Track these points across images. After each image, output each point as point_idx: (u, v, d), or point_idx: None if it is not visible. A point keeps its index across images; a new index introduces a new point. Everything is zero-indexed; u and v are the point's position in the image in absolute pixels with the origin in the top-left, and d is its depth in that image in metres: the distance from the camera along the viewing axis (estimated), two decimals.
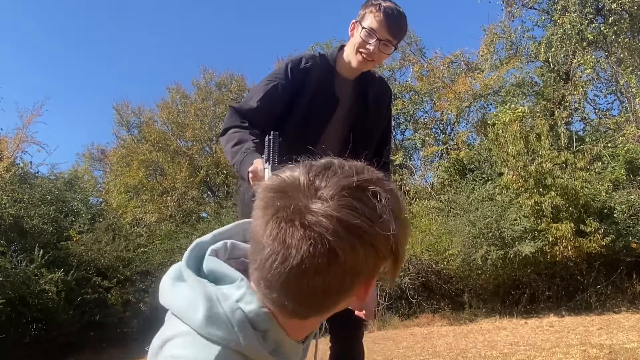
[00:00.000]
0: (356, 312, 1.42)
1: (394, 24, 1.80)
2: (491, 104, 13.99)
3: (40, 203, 11.05)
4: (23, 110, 15.53)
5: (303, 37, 34.57)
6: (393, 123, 16.49)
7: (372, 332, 8.87)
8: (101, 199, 17.02)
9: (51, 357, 8.85)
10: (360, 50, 1.85)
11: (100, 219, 12.09)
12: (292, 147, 1.63)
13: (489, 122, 11.66)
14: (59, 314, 9.09)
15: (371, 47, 1.82)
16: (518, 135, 9.52)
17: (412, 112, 15.80)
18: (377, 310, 9.49)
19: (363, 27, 1.81)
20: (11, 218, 9.95)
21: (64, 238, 10.65)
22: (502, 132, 9.71)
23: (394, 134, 16.74)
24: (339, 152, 1.69)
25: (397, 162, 14.84)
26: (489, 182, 10.06)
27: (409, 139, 16.21)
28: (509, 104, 11.31)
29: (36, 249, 9.36)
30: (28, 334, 9.01)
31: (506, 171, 9.34)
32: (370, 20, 1.80)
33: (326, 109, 1.92)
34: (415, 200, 12.49)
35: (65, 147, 35.80)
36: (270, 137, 1.50)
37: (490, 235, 8.68)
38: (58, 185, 12.52)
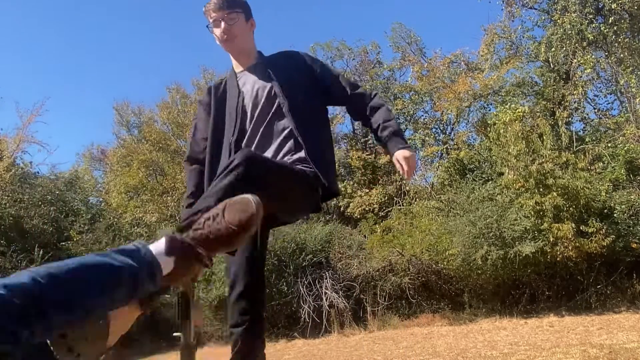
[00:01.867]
0: None
1: (218, 2, 2.00)
2: (491, 104, 13.99)
3: (40, 203, 11.05)
4: (23, 110, 15.54)
5: (304, 37, 34.56)
6: None
7: (372, 332, 8.87)
8: (101, 199, 17.02)
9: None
10: (219, 40, 2.06)
11: (100, 219, 12.08)
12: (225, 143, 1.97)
13: (489, 122, 11.66)
14: None
15: (218, 32, 2.02)
16: (519, 135, 9.52)
17: (412, 112, 15.80)
18: (377, 310, 9.50)
19: (208, 23, 2.06)
20: (11, 218, 9.95)
21: (64, 238, 10.65)
22: (503, 132, 9.71)
23: None
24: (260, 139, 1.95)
25: None
26: (489, 182, 10.06)
27: (409, 139, 16.16)
28: (509, 103, 11.32)
29: (36, 249, 9.36)
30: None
31: (507, 171, 9.34)
32: (208, 19, 2.05)
33: (233, 103, 2.04)
34: (415, 200, 12.49)
35: (65, 147, 35.80)
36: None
37: (490, 235, 8.68)
38: (58, 185, 12.53)
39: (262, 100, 2.01)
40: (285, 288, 9.49)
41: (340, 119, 17.10)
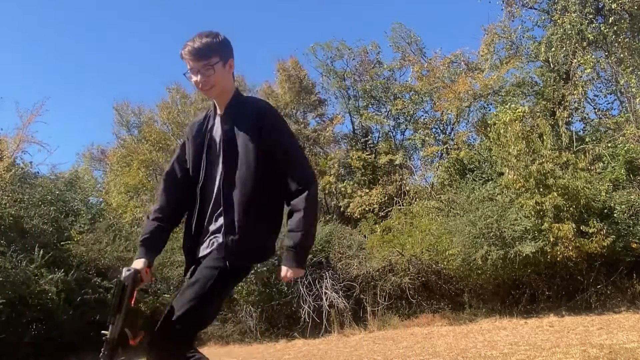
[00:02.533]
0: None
1: (190, 52, 1.98)
2: (491, 104, 13.98)
3: (40, 203, 11.03)
4: (23, 110, 15.51)
5: (304, 37, 34.55)
6: (393, 122, 16.56)
7: (372, 332, 8.88)
8: (101, 199, 17.01)
9: (51, 357, 8.85)
10: (197, 86, 2.04)
11: (101, 219, 12.07)
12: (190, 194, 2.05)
13: (489, 122, 11.66)
14: (59, 314, 9.08)
15: (194, 78, 2.01)
16: (519, 135, 9.52)
17: (412, 112, 15.80)
18: (377, 310, 9.50)
19: (184, 74, 2.06)
20: (11, 218, 9.94)
21: (64, 238, 10.63)
22: (504, 132, 9.72)
23: (394, 133, 16.77)
24: (218, 190, 1.97)
25: (396, 162, 14.84)
26: (490, 182, 10.06)
27: (409, 139, 16.20)
28: (509, 103, 11.32)
29: (36, 249, 9.35)
30: (28, 334, 9.00)
31: (507, 171, 9.34)
32: (185, 63, 2.03)
33: (202, 150, 2.06)
34: (415, 200, 12.49)
35: (65, 147, 35.78)
36: (117, 280, 1.86)
37: (490, 235, 8.69)
38: (59, 185, 12.51)
39: (215, 155, 2.03)
40: (285, 288, 9.50)
41: (340, 119, 17.13)
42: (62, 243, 10.45)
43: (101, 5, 36.37)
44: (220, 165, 1.98)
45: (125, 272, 1.85)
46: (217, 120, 2.07)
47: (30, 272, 8.97)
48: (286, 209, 2.04)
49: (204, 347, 9.41)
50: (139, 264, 1.95)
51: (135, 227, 13.36)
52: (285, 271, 1.96)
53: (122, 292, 1.82)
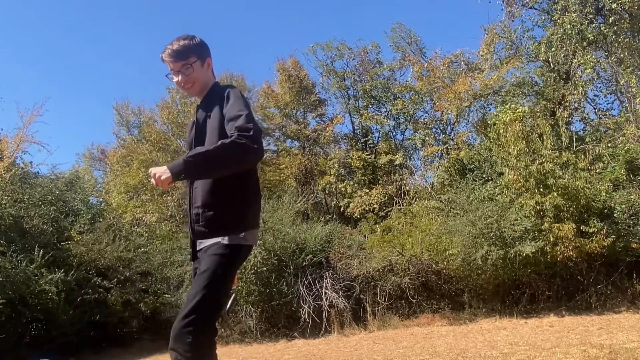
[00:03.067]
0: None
1: (169, 54, 2.16)
2: (491, 104, 13.99)
3: (40, 203, 11.04)
4: (23, 110, 15.51)
5: (304, 36, 34.57)
6: (393, 122, 16.56)
7: (372, 332, 8.88)
8: (101, 199, 17.02)
9: (51, 357, 8.86)
10: (178, 86, 2.26)
11: (101, 219, 12.07)
12: None
13: (489, 122, 11.66)
14: (59, 314, 9.08)
15: (175, 79, 2.21)
16: (519, 135, 9.52)
17: (412, 112, 15.81)
18: (377, 310, 9.50)
19: (166, 75, 2.25)
20: (11, 218, 9.95)
21: (64, 238, 10.64)
22: (504, 131, 9.72)
23: (394, 133, 16.78)
24: None
25: (397, 162, 14.85)
26: (490, 182, 10.06)
27: (409, 139, 16.21)
28: (509, 103, 11.31)
29: (36, 249, 9.35)
30: (28, 334, 9.02)
31: (507, 171, 9.34)
32: (166, 65, 2.21)
33: (188, 135, 2.29)
34: (415, 200, 12.49)
35: (65, 147, 35.82)
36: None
37: (490, 235, 8.69)
38: (59, 185, 12.50)
39: (192, 137, 2.22)
40: (285, 288, 9.49)
41: (340, 119, 17.13)
42: (62, 243, 10.46)
43: (101, 5, 36.39)
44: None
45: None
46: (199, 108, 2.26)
47: (30, 272, 8.97)
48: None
49: None
50: None
51: (135, 227, 13.37)
52: (157, 169, 1.94)
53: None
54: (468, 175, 10.93)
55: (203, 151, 1.94)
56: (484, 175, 10.62)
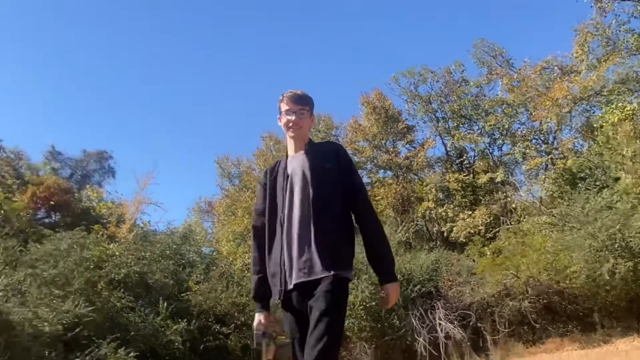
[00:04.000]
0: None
1: (292, 97, 2.44)
2: (595, 106, 13.05)
3: (160, 258, 11.90)
4: (139, 175, 17.00)
5: (383, 68, 34.86)
6: (488, 139, 15.98)
7: None
8: (213, 248, 18.00)
9: None
10: (286, 125, 2.42)
11: (214, 268, 12.73)
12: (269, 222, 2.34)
13: (595, 125, 10.88)
14: None
15: (289, 117, 2.40)
16: (632, 134, 8.77)
17: (507, 125, 15.17)
18: (498, 338, 8.97)
19: (280, 112, 2.46)
20: (137, 275, 10.80)
21: (184, 289, 11.33)
22: (613, 133, 9.02)
23: (490, 150, 16.16)
24: (302, 215, 2.25)
25: (498, 180, 14.22)
26: (605, 190, 9.29)
27: (508, 154, 15.51)
28: (615, 102, 10.49)
29: (160, 301, 10.04)
30: None
31: (623, 175, 8.61)
32: (282, 105, 2.45)
33: (282, 184, 2.37)
34: (524, 218, 11.82)
35: (177, 203, 38.72)
36: (254, 349, 2.06)
37: (615, 246, 7.96)
38: (175, 240, 13.43)
39: (300, 183, 2.32)
40: (397, 322, 9.30)
41: (431, 143, 16.86)
42: (182, 294, 11.14)
43: (190, 64, 39.48)
44: (299, 194, 2.29)
45: (256, 337, 2.14)
46: (294, 158, 2.41)
47: (157, 324, 9.62)
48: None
49: None
50: (260, 317, 2.28)
51: (246, 271, 13.92)
52: (392, 287, 2.24)
53: (260, 353, 2.09)
54: (579, 185, 10.19)
55: (389, 250, 2.34)
56: (597, 183, 9.84)
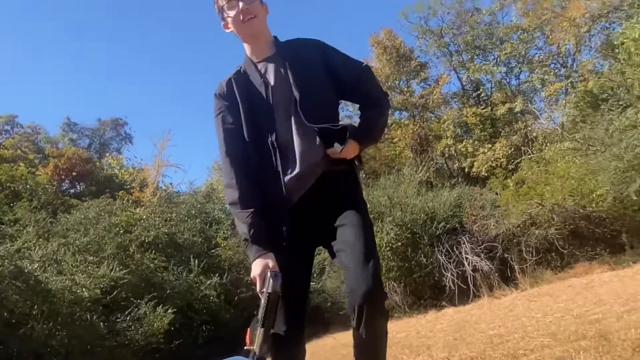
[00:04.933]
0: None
1: None
2: (614, 22, 12.46)
3: (187, 218, 12.19)
4: (156, 138, 17.11)
5: (391, 7, 33.66)
6: (505, 69, 15.53)
7: (525, 290, 8.46)
8: None
9: (222, 355, 9.72)
10: (237, 21, 1.85)
11: None
12: (257, 151, 1.81)
13: (615, 42, 10.41)
14: (222, 315, 9.98)
15: (233, 13, 1.84)
16: None
17: (524, 52, 14.69)
18: (526, 267, 9.03)
19: (220, 9, 1.89)
20: (166, 236, 11.10)
21: (212, 246, 11.65)
22: (635, 49, 8.63)
23: (507, 80, 15.73)
24: (290, 132, 1.78)
25: (517, 110, 13.91)
26: (629, 109, 8.99)
27: (526, 82, 15.09)
28: (636, 17, 9.98)
29: (191, 259, 10.37)
30: (201, 336, 10.01)
31: None
32: (219, 3, 1.88)
33: (263, 97, 1.85)
34: (546, 145, 11.61)
35: (196, 164, 39.06)
36: (269, 293, 1.57)
37: None
38: (198, 199, 13.68)
39: (283, 94, 1.83)
40: (424, 259, 9.42)
41: (446, 79, 16.48)
42: (211, 251, 11.45)
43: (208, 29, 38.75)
44: (289, 110, 1.81)
45: (273, 281, 1.59)
46: (263, 65, 1.89)
47: (191, 281, 9.97)
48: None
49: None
50: (268, 261, 1.68)
51: None
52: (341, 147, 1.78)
53: (277, 302, 1.59)
54: (602, 107, 9.89)
55: (381, 121, 1.99)
56: (620, 103, 9.53)
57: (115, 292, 8.24)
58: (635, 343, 2.77)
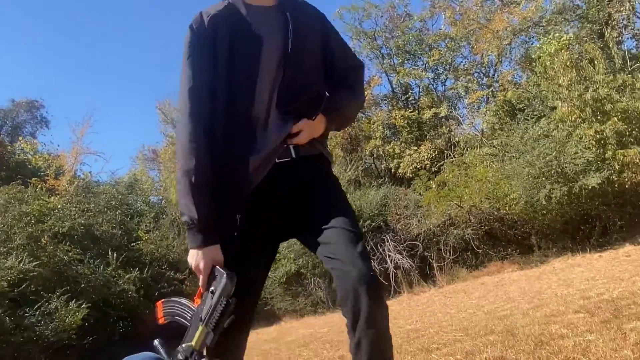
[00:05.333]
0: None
1: None
2: (533, 37, 13.31)
3: (106, 209, 11.61)
4: (75, 124, 16.17)
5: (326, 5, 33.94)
6: (432, 74, 16.11)
7: (442, 287, 8.86)
8: (161, 197, 17.68)
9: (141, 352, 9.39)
10: None
11: (164, 216, 12.57)
12: (227, 114, 1.45)
13: (533, 56, 11.12)
14: (141, 310, 9.62)
15: None
16: (568, 64, 9.04)
17: (450, 60, 15.31)
18: (444, 265, 9.45)
19: None
20: (82, 227, 10.52)
21: (133, 239, 11.19)
22: (550, 63, 9.25)
23: (434, 85, 16.34)
24: (269, 103, 1.46)
25: (442, 115, 14.49)
26: (542, 119, 9.66)
27: (452, 88, 15.74)
28: (552, 33, 10.72)
29: (109, 252, 9.90)
30: (117, 332, 9.60)
31: (559, 104, 8.93)
32: None
33: (250, 53, 1.48)
34: (467, 150, 12.19)
35: (119, 153, 37.37)
36: (228, 300, 1.32)
37: (551, 172, 8.39)
38: (120, 190, 13.08)
39: (272, 61, 1.49)
40: None
41: (377, 81, 16.83)
42: (132, 244, 11.00)
43: (126, 8, 37.08)
44: (280, 75, 1.49)
45: (230, 285, 1.33)
46: (263, 15, 1.53)
47: (108, 275, 9.52)
48: None
49: (280, 322, 9.73)
50: (216, 253, 1.40)
51: None
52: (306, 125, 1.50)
53: (232, 310, 1.35)
54: (519, 116, 10.54)
55: (355, 105, 1.76)
56: (535, 113, 10.21)
57: (24, 285, 7.70)
58: (538, 338, 2.97)
